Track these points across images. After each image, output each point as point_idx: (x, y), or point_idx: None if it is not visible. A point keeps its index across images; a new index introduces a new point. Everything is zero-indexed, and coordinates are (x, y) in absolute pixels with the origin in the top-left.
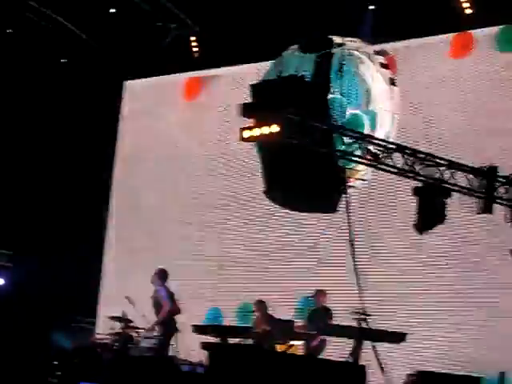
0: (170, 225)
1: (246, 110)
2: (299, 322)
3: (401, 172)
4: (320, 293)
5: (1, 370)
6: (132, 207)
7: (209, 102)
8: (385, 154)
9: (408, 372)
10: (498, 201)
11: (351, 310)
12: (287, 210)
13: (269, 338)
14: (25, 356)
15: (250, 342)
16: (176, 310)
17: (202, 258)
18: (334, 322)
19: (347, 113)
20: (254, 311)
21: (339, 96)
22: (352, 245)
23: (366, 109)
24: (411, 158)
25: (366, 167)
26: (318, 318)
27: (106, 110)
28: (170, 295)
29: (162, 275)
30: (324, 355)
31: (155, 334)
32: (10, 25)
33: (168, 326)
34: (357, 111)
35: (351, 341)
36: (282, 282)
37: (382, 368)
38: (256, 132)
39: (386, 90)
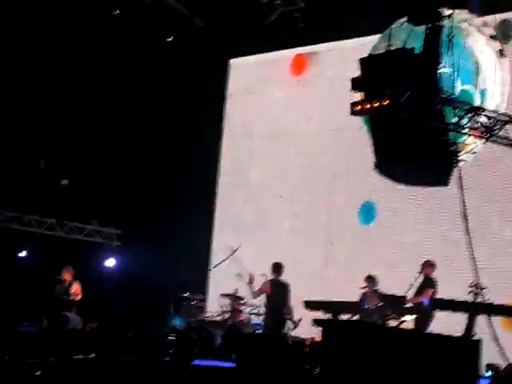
0: (278, 201)
1: (356, 85)
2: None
3: None
4: (426, 263)
5: (118, 347)
6: (239, 184)
7: (315, 77)
8: (497, 127)
9: None
10: None
11: (468, 284)
12: (398, 185)
13: (381, 314)
14: (140, 334)
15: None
16: None
17: (310, 235)
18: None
19: (457, 87)
20: (364, 287)
21: (449, 70)
22: (466, 218)
23: (476, 82)
24: None
25: (476, 140)
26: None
27: (212, 88)
28: None
29: None
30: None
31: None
32: (116, 6)
33: None
34: (467, 86)
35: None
36: (390, 257)
37: (497, 341)
38: (366, 106)
39: (495, 62)
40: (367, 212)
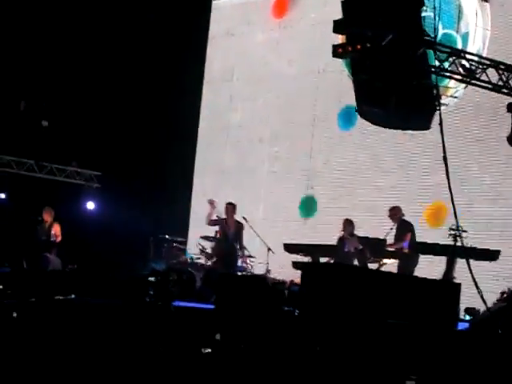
0: (258, 145)
1: (338, 27)
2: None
3: (495, 88)
4: (395, 209)
5: (98, 288)
6: (221, 128)
7: (297, 20)
8: (479, 70)
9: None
10: None
11: (448, 227)
12: (379, 127)
13: (360, 257)
14: (120, 275)
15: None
16: None
17: (292, 177)
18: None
19: (439, 31)
20: (342, 230)
21: (431, 13)
22: (446, 162)
23: (458, 26)
24: (506, 74)
25: (457, 84)
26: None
27: (194, 30)
28: None
29: None
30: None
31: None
32: None
33: None
34: (449, 30)
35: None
36: (370, 201)
37: (476, 285)
38: (348, 49)
39: (476, 7)
40: (347, 117)
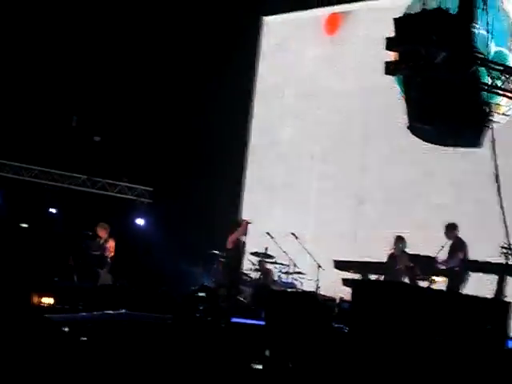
0: (309, 161)
1: (391, 44)
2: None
3: None
4: (451, 226)
5: (149, 303)
6: (271, 144)
7: (348, 37)
8: None
9: None
10: None
11: (498, 245)
12: (430, 145)
13: (410, 274)
14: (171, 291)
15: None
16: None
17: (341, 195)
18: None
19: (491, 49)
20: (393, 248)
21: (484, 31)
22: (497, 179)
23: (510, 44)
24: None
25: (510, 102)
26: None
27: (245, 46)
28: None
29: None
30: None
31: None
32: None
33: None
34: (501, 48)
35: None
36: (421, 218)
37: None
38: (401, 66)
39: None
40: None
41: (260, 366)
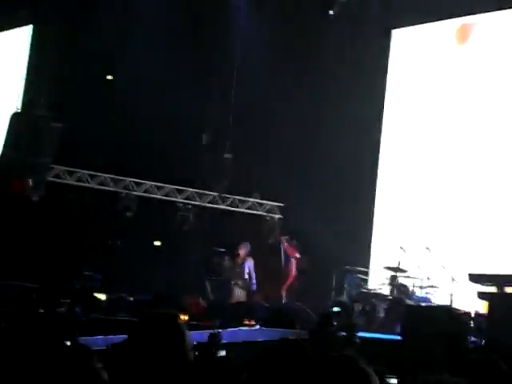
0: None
1: None
2: None
3: None
4: None
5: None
6: (402, 156)
7: (481, 45)
8: None
9: None
10: None
11: None
12: None
13: None
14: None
15: None
16: None
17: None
18: None
19: None
20: None
21: None
22: None
23: None
24: None
25: None
26: None
27: (374, 59)
28: None
29: None
30: None
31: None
32: None
33: None
34: None
35: None
36: None
37: None
38: None
39: None
40: None
41: (395, 381)
